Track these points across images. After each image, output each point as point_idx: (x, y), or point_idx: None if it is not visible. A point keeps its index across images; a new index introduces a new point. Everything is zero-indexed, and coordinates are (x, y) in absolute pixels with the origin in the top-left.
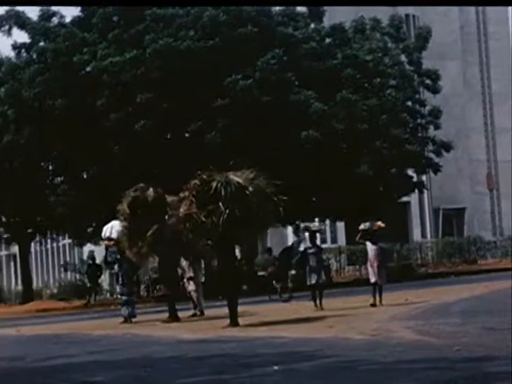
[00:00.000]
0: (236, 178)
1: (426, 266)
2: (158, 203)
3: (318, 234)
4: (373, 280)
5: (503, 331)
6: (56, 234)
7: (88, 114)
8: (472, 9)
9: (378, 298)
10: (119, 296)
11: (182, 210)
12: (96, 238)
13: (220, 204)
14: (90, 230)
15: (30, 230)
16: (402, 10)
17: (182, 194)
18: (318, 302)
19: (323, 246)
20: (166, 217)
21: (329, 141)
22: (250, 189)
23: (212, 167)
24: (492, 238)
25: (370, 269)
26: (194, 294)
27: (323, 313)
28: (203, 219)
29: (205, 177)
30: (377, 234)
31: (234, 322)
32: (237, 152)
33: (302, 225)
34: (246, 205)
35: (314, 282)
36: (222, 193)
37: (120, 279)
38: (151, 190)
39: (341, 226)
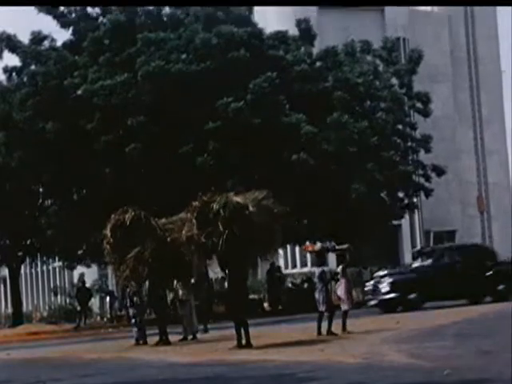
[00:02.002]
0: (236, 198)
1: None
2: (140, 226)
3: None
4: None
5: (495, 354)
6: (46, 257)
7: (79, 137)
8: (462, 32)
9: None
10: (131, 319)
11: (183, 231)
12: (86, 260)
13: (219, 224)
14: (80, 252)
15: (20, 253)
16: (393, 33)
17: (183, 216)
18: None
19: (313, 269)
20: (154, 239)
21: (320, 163)
22: (251, 209)
23: (213, 189)
24: None
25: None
26: (185, 318)
27: (313, 336)
28: (203, 240)
29: (205, 198)
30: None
31: (240, 344)
32: (228, 174)
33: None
34: (248, 225)
35: (324, 307)
36: (221, 213)
37: (129, 301)
38: (132, 212)
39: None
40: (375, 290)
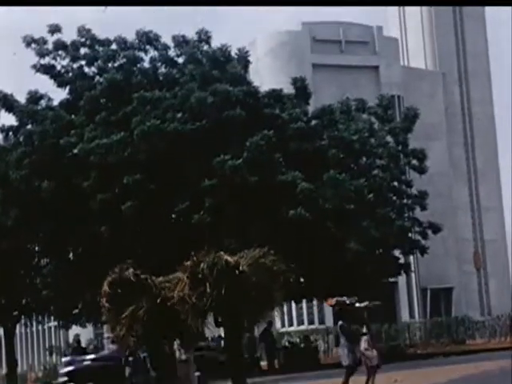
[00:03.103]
0: (226, 257)
1: (415, 346)
2: (138, 284)
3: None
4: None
5: None
6: (42, 316)
7: (75, 196)
8: (457, 90)
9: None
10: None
11: (176, 291)
12: (82, 319)
13: (207, 285)
14: (75, 311)
15: (15, 313)
16: (388, 91)
17: (178, 275)
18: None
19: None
20: (150, 297)
21: (316, 220)
22: (243, 268)
23: (207, 247)
24: (480, 318)
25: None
26: (183, 379)
27: None
28: (194, 301)
29: (195, 258)
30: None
31: None
32: (225, 231)
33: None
34: (239, 285)
35: (350, 362)
36: (210, 273)
37: (124, 361)
38: (130, 270)
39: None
40: None
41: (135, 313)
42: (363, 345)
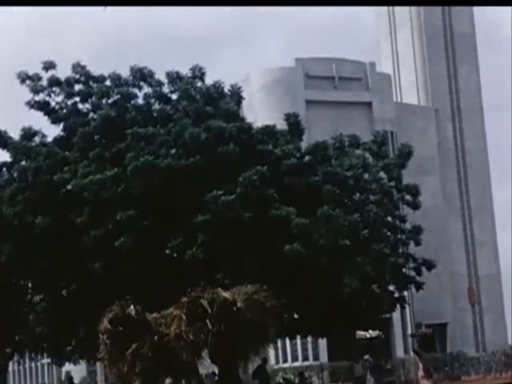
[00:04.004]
0: (224, 294)
1: (410, 382)
2: (138, 320)
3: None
4: None
5: None
6: (35, 353)
7: (68, 232)
8: (449, 126)
9: None
10: None
11: (172, 328)
12: (75, 357)
13: (207, 321)
14: (68, 348)
15: (8, 350)
16: (381, 127)
17: (172, 312)
18: None
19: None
20: (150, 334)
21: (311, 255)
22: (240, 304)
23: (203, 283)
24: (475, 354)
25: None
26: None
27: None
28: (191, 337)
29: (193, 294)
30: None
31: None
32: (219, 267)
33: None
34: (237, 321)
35: None
36: (209, 310)
37: None
38: (131, 307)
39: (323, 342)
40: None
41: (139, 349)
42: (420, 372)
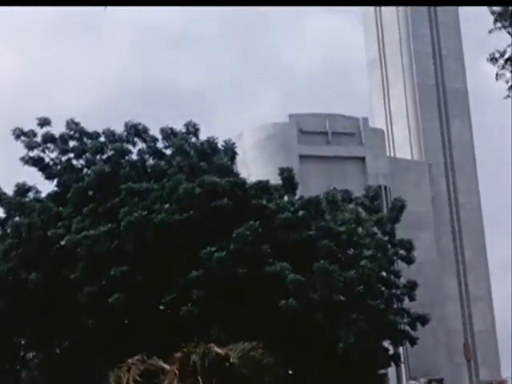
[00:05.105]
0: (216, 349)
1: None
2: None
3: None
4: None
5: None
6: None
7: (62, 288)
8: (443, 180)
9: None
10: None
11: (165, 383)
12: None
13: (199, 378)
14: None
15: None
16: (374, 181)
17: (166, 366)
18: None
19: None
20: None
21: (306, 311)
22: (233, 360)
23: (196, 339)
24: None
25: None
26: None
27: None
28: None
29: (185, 350)
30: None
31: None
32: (214, 323)
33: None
34: (229, 377)
35: None
36: (201, 365)
37: None
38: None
39: None
40: None
41: None
42: None
